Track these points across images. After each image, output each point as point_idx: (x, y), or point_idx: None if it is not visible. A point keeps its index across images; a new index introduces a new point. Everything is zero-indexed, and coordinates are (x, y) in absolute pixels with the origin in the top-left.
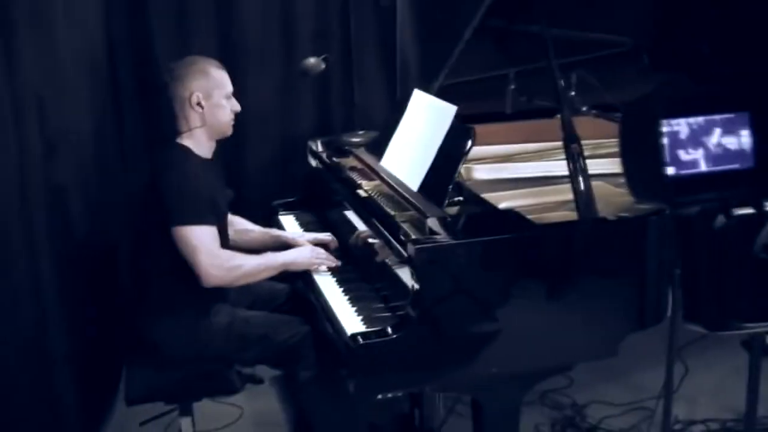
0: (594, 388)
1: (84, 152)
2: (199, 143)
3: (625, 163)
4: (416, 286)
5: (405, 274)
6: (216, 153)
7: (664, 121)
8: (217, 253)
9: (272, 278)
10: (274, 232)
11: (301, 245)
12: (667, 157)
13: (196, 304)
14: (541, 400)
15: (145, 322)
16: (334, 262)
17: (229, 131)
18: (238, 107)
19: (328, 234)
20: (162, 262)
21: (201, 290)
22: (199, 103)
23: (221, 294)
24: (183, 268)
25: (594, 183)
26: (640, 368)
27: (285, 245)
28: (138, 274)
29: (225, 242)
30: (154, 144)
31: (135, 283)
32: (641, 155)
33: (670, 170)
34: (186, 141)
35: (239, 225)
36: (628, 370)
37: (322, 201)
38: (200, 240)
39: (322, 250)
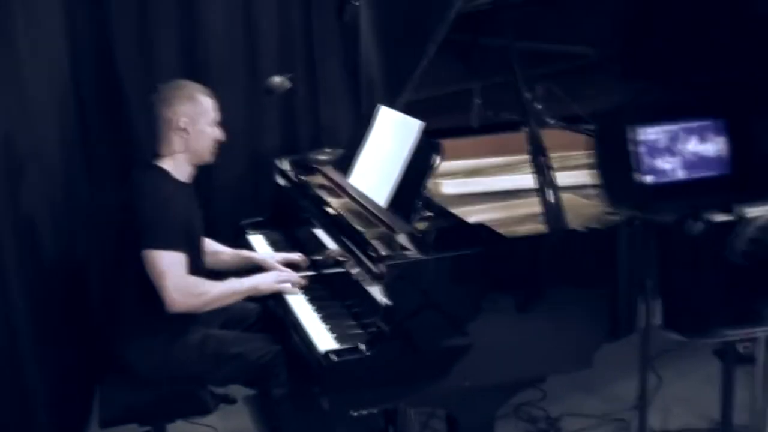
0: (568, 399)
1: (51, 174)
2: (179, 167)
3: (602, 173)
4: (388, 302)
5: (376, 291)
6: (193, 178)
7: (640, 130)
8: (183, 280)
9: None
10: (244, 253)
11: (271, 266)
12: (644, 166)
13: (169, 325)
14: (515, 413)
15: (118, 343)
16: (300, 282)
17: (210, 158)
18: (221, 135)
19: (299, 254)
20: (135, 282)
21: (167, 314)
22: (184, 128)
23: (193, 315)
24: (155, 289)
25: (563, 195)
26: (615, 379)
27: (256, 266)
28: (110, 295)
29: (200, 266)
30: (127, 164)
31: (107, 304)
32: (617, 164)
33: (648, 178)
34: (166, 164)
35: (209, 247)
36: (603, 382)
37: (290, 219)
38: (168, 266)
39: (287, 273)
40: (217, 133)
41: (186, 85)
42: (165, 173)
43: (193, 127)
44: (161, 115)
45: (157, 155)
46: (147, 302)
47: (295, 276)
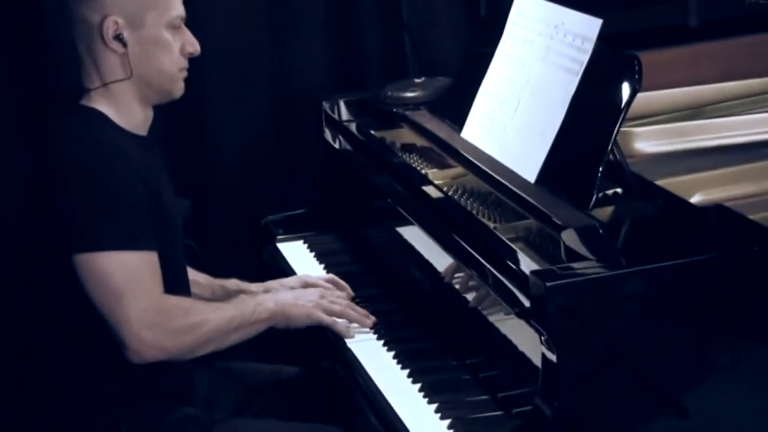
0: None
1: None
2: (123, 107)
3: None
4: (551, 358)
5: (524, 337)
6: (153, 126)
7: None
8: (159, 301)
9: (275, 358)
10: (232, 284)
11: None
12: None
13: (131, 408)
14: None
15: None
16: (365, 319)
17: (178, 89)
18: (195, 46)
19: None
20: (67, 324)
21: (138, 377)
22: (119, 36)
23: (180, 384)
24: (101, 328)
25: None
26: None
27: None
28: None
29: (181, 284)
30: (39, 114)
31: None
32: None
33: None
34: (99, 103)
35: None
36: None
37: (352, 211)
38: (128, 277)
39: (341, 292)
40: (187, 43)
41: None
42: (100, 117)
43: (137, 33)
44: (77, 19)
45: (82, 91)
46: (85, 358)
47: (356, 307)
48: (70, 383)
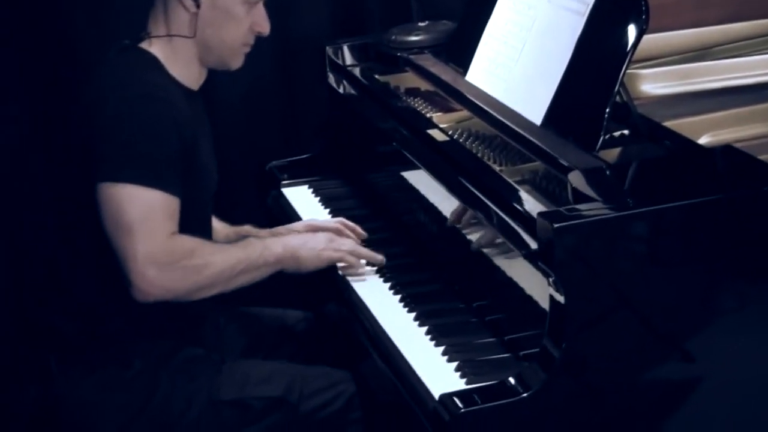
0: None
1: None
2: (180, 60)
3: None
4: (559, 299)
5: (532, 281)
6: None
7: None
8: (166, 238)
9: (281, 302)
10: (245, 230)
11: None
12: None
13: (142, 343)
14: None
15: (55, 376)
16: (376, 258)
17: (236, 62)
18: (264, 27)
19: (338, 220)
20: (87, 255)
21: (149, 315)
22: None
23: (189, 325)
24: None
25: None
26: None
27: None
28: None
29: (204, 230)
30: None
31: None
32: None
33: None
34: (157, 49)
35: None
36: None
37: (357, 156)
38: (142, 213)
39: (349, 240)
40: (258, 22)
41: None
42: (153, 61)
43: (214, 3)
44: None
45: (145, 35)
46: (102, 290)
47: (363, 250)
48: (88, 315)
